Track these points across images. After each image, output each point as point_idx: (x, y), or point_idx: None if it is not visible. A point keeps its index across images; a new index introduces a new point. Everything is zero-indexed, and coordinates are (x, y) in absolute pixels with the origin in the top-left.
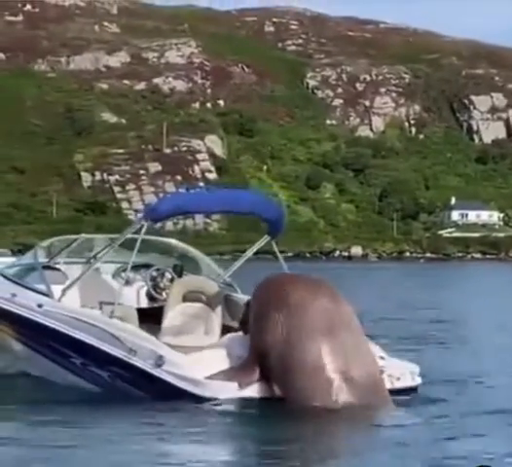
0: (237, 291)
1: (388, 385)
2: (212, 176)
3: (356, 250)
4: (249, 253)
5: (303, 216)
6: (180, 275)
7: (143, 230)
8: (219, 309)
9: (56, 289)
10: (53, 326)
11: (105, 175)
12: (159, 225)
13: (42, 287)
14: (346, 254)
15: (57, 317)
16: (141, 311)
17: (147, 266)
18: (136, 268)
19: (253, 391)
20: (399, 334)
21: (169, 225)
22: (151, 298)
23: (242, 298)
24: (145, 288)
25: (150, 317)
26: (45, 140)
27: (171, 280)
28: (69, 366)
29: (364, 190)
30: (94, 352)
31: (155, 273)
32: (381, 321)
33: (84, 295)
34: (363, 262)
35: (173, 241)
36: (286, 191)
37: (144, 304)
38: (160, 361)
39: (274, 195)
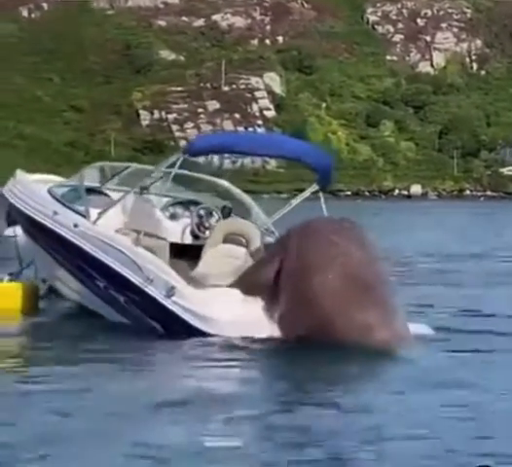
0: (276, 233)
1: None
2: (270, 114)
3: (416, 189)
4: (296, 202)
5: (362, 154)
6: (227, 217)
7: (178, 163)
8: (257, 255)
9: (95, 212)
10: (83, 247)
11: (163, 114)
12: (201, 159)
13: (81, 208)
14: (405, 193)
15: (89, 239)
16: (183, 247)
17: (196, 203)
18: (186, 204)
19: (260, 330)
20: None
21: (227, 162)
22: (194, 235)
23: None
24: (190, 225)
25: (191, 254)
26: (103, 78)
27: (217, 221)
28: (94, 287)
29: (424, 127)
30: (115, 276)
31: (202, 212)
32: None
33: (125, 220)
34: (423, 200)
35: (226, 183)
36: (345, 129)
37: (187, 240)
38: (171, 292)
39: (332, 133)
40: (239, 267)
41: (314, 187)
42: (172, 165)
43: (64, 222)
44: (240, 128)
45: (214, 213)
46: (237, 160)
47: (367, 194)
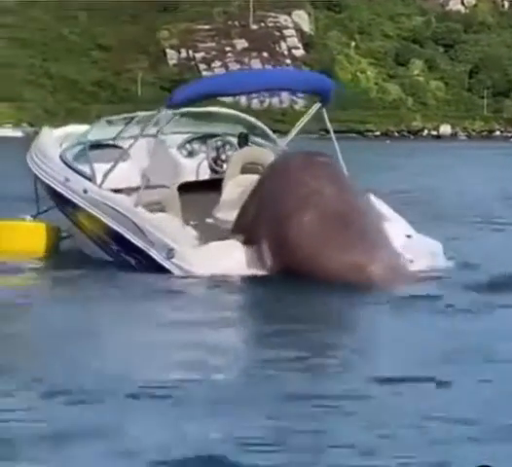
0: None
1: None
2: (299, 53)
3: (445, 129)
4: (302, 122)
5: (391, 94)
6: (245, 145)
7: (161, 118)
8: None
9: (106, 169)
10: (94, 214)
11: (191, 52)
12: (229, 99)
13: (88, 170)
14: (434, 133)
15: (97, 204)
16: (202, 183)
17: (213, 135)
18: (203, 138)
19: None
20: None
21: (255, 103)
22: (212, 170)
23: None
24: (206, 159)
25: (213, 188)
26: (130, 16)
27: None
28: (108, 251)
29: (454, 66)
30: (123, 240)
31: (219, 143)
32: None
33: (133, 174)
34: (452, 141)
35: (239, 113)
36: (374, 68)
37: (205, 176)
38: (170, 254)
39: (361, 72)
40: None
41: (317, 105)
42: (157, 122)
43: (75, 188)
44: (268, 67)
45: (231, 144)
46: (264, 99)
47: (396, 134)
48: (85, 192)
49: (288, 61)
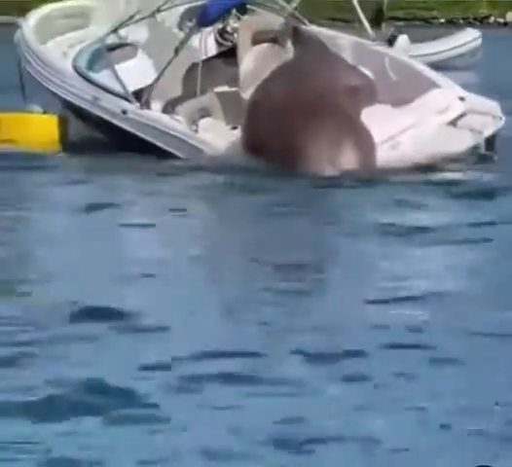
0: (305, 22)
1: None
2: None
3: None
4: None
5: None
6: (245, 12)
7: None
8: (290, 45)
9: (128, 66)
10: (139, 135)
11: None
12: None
13: (118, 87)
14: (501, 20)
15: (142, 127)
16: (214, 58)
17: None
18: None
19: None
20: None
21: None
22: (220, 44)
23: (310, 28)
24: (212, 35)
25: (224, 59)
26: None
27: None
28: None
29: None
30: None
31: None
32: None
33: (156, 61)
34: None
35: None
36: None
37: (213, 51)
38: None
39: None
40: (278, 63)
41: None
42: (185, 41)
43: (111, 109)
44: None
45: (230, 13)
46: None
47: (461, 22)
48: (124, 113)
49: None
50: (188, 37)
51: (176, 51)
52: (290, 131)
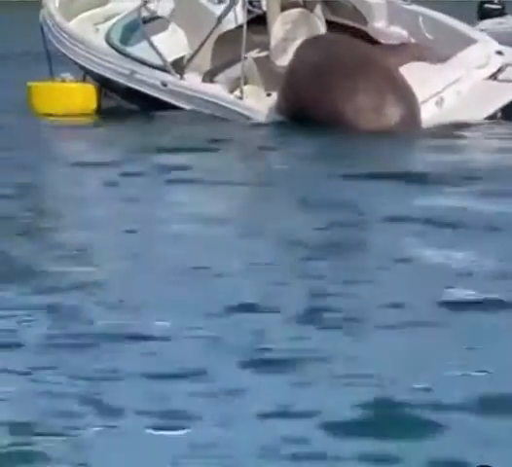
0: None
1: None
2: None
3: None
4: None
5: None
6: None
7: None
8: (318, 9)
9: (161, 39)
10: (180, 105)
11: None
12: None
13: (155, 59)
14: None
15: (183, 97)
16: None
17: None
18: None
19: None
20: None
21: None
22: (249, 11)
23: None
24: (240, 3)
25: (253, 26)
26: None
27: None
28: None
29: None
30: None
31: None
32: None
33: (188, 34)
34: None
35: None
36: None
37: (242, 19)
38: None
39: None
40: (308, 29)
41: None
42: (225, 14)
43: (150, 82)
44: None
45: None
46: None
47: None
48: (164, 85)
49: None
50: (229, 8)
51: (217, 22)
52: (332, 91)
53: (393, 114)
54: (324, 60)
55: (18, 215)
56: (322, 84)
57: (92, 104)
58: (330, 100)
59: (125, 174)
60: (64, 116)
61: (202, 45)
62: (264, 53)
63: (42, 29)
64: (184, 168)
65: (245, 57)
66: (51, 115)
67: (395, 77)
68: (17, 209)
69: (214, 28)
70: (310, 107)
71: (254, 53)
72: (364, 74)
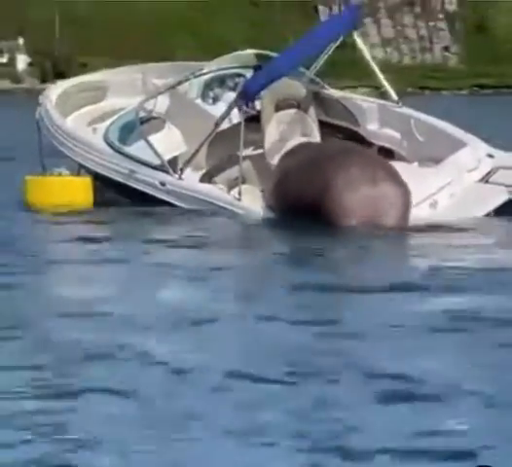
0: (325, 86)
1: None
2: (452, 8)
3: None
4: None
5: None
6: None
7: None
8: (312, 110)
9: (158, 138)
10: (178, 204)
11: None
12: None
13: (154, 159)
14: None
15: (181, 197)
16: (237, 126)
17: (236, 75)
18: (219, 79)
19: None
20: None
21: (407, 59)
22: (244, 112)
23: (332, 92)
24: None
25: (250, 123)
26: None
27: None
28: None
29: None
30: None
31: (237, 80)
32: None
33: (184, 133)
34: None
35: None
36: None
37: (237, 118)
38: None
39: None
40: (301, 128)
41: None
42: (225, 117)
43: (149, 181)
44: (421, 23)
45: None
46: (415, 56)
47: None
48: (162, 185)
49: (441, 16)
50: (229, 111)
51: (216, 124)
52: (322, 185)
53: (387, 214)
54: (313, 155)
55: None
56: (312, 177)
57: (90, 195)
58: (320, 194)
59: (111, 263)
60: (61, 208)
61: (201, 145)
62: (259, 151)
63: (38, 125)
64: (174, 264)
65: (243, 158)
66: (47, 208)
67: (389, 169)
68: None
69: (214, 130)
70: (301, 202)
71: (249, 151)
72: (355, 164)
